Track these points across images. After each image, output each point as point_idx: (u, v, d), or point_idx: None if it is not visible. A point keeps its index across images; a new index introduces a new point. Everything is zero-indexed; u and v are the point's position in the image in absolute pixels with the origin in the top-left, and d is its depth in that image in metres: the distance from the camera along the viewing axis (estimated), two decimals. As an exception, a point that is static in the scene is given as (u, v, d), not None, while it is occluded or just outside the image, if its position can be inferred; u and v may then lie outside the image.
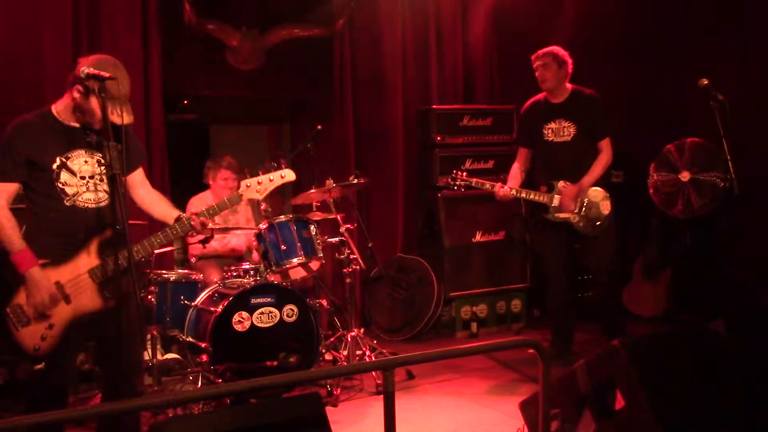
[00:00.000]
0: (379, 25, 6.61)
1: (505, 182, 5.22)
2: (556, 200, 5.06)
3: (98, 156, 3.31)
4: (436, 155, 6.40)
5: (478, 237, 6.46)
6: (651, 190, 5.78)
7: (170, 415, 4.06)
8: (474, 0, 6.98)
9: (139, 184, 3.56)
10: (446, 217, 6.37)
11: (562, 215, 5.09)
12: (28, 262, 3.15)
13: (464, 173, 5.29)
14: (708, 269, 6.14)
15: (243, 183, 3.62)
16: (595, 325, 6.05)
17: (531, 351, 2.93)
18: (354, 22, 6.54)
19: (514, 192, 5.12)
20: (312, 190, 5.21)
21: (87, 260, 3.23)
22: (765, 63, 6.10)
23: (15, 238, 3.17)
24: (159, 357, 4.70)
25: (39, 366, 3.13)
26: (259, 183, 3.61)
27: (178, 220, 3.44)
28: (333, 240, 5.13)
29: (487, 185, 5.17)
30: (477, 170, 6.50)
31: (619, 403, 3.04)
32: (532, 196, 5.12)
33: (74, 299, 3.20)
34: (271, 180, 3.63)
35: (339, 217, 5.14)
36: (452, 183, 5.28)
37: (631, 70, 5.30)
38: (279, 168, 3.68)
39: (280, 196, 6.95)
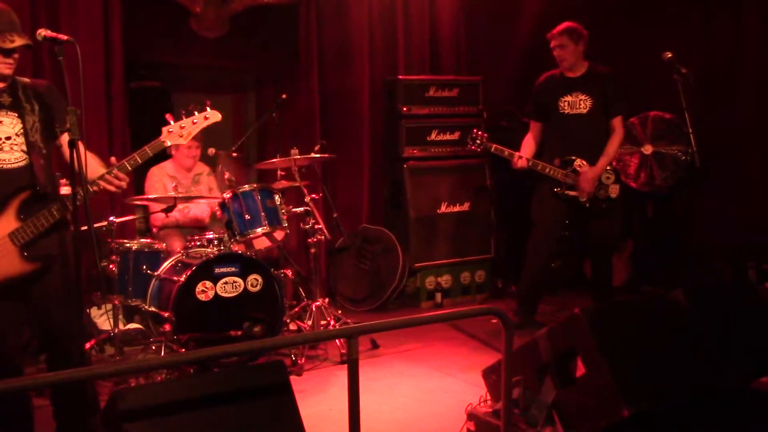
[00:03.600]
0: (346, -8, 6.53)
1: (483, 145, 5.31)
2: (575, 181, 5.13)
3: (14, 115, 3.18)
4: (402, 126, 6.37)
5: (443, 208, 6.47)
6: (614, 162, 5.83)
7: (132, 384, 4.04)
8: (442, -31, 6.92)
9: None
10: (412, 188, 6.37)
11: (572, 192, 5.16)
12: None
13: (486, 135, 5.35)
14: (669, 241, 6.24)
15: (164, 129, 3.40)
16: (557, 296, 6.17)
17: (495, 321, 2.96)
18: (320, -11, 6.46)
19: (531, 164, 5.17)
20: (276, 158, 5.16)
21: (6, 224, 3.11)
22: (729, 36, 6.18)
23: None
24: (121, 327, 4.65)
25: None
26: (181, 127, 3.42)
27: (99, 176, 3.27)
28: (298, 210, 5.11)
29: (506, 153, 5.23)
30: (443, 141, 6.50)
31: (580, 370, 3.09)
32: (547, 171, 5.16)
33: None
34: (194, 123, 3.43)
35: (304, 187, 5.11)
36: (470, 142, 5.36)
37: (596, 43, 5.32)
38: (202, 110, 3.45)
39: (245, 165, 6.88)
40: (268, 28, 6.47)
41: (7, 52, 3.11)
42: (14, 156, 3.18)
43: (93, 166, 3.35)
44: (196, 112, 3.44)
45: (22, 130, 3.19)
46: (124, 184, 3.30)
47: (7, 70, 3.15)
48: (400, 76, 6.47)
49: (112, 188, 3.28)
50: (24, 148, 3.19)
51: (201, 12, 6.04)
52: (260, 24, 6.40)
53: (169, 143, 3.42)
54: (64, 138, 3.32)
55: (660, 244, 6.30)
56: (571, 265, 6.44)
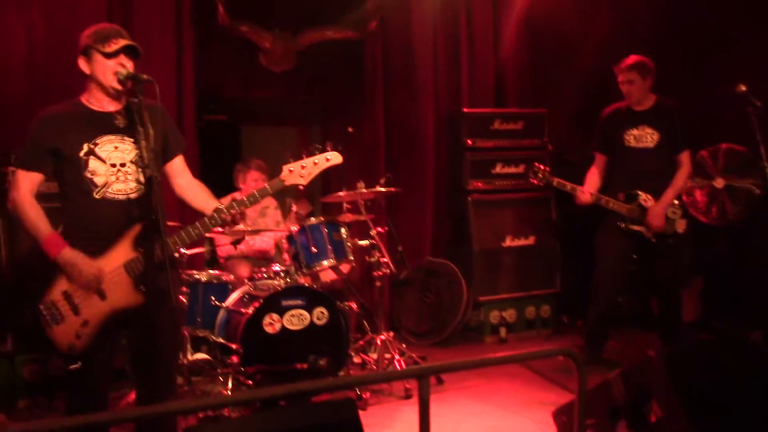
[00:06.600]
0: (411, 27, 6.58)
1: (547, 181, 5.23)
2: (640, 216, 5.05)
3: (129, 141, 3.15)
4: (466, 159, 6.36)
5: (507, 241, 6.41)
6: (684, 197, 5.71)
7: (200, 415, 4.08)
8: (506, 2, 6.92)
9: (178, 173, 3.41)
10: (476, 221, 6.33)
11: (637, 227, 5.07)
12: (57, 245, 3.04)
13: (547, 168, 5.29)
14: (742, 277, 6.05)
15: (285, 168, 3.31)
16: (624, 332, 6.01)
17: (561, 358, 2.90)
18: (386, 24, 6.53)
19: (596, 198, 5.10)
20: (342, 192, 5.21)
21: (122, 253, 3.09)
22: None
23: (41, 225, 3.08)
24: (189, 357, 4.71)
25: (75, 366, 3.04)
26: (302, 167, 3.32)
27: (216, 210, 3.24)
28: (363, 243, 5.12)
29: (568, 187, 5.18)
30: (507, 174, 6.46)
31: (656, 414, 3.00)
32: (611, 205, 5.09)
33: (109, 294, 3.05)
34: (315, 163, 3.33)
35: (369, 220, 5.12)
36: (532, 176, 5.30)
37: (665, 74, 5.24)
38: (324, 150, 3.35)
39: (309, 197, 6.96)
40: (335, 61, 6.57)
41: (109, 55, 3.09)
42: (129, 186, 3.15)
43: (203, 199, 3.39)
44: (317, 152, 3.36)
45: (137, 157, 3.14)
46: (238, 217, 3.29)
47: (113, 82, 3.10)
48: (465, 109, 6.47)
49: (227, 220, 3.26)
50: (139, 176, 3.14)
51: (270, 47, 6.17)
52: (327, 58, 6.50)
53: (288, 183, 3.34)
54: (173, 166, 3.38)
55: (733, 281, 6.11)
56: (639, 301, 6.29)
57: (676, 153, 5.12)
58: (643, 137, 5.12)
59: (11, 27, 5.05)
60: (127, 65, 3.13)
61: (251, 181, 5.48)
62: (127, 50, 3.13)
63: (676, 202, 5.11)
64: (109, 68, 3.11)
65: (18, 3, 5.07)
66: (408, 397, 4.71)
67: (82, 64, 3.17)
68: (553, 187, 5.29)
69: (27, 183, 3.13)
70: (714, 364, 3.10)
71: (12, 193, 3.16)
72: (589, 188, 5.20)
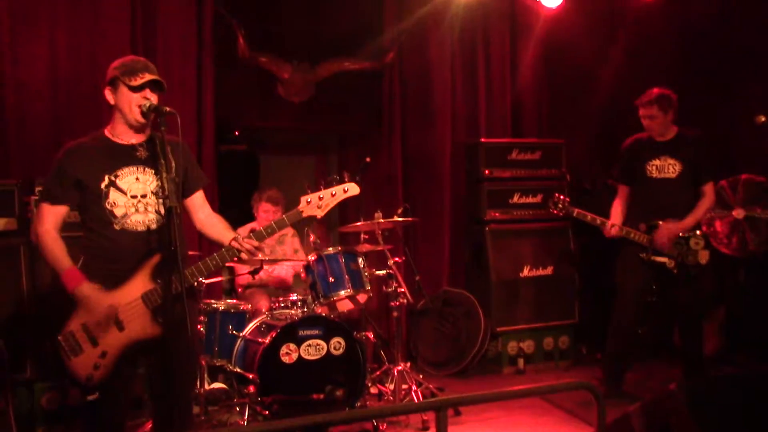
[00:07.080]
0: (428, 58, 6.63)
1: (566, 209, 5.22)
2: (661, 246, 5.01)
3: (150, 172, 3.21)
4: (483, 189, 6.35)
5: (525, 272, 6.38)
6: (704, 227, 5.67)
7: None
8: (524, 33, 6.97)
9: (198, 207, 3.46)
10: (494, 251, 6.31)
11: (659, 258, 5.03)
12: (75, 279, 3.09)
13: (567, 199, 5.29)
14: (763, 308, 5.98)
15: (303, 199, 3.34)
16: (644, 365, 5.94)
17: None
18: (404, 55, 6.58)
19: (625, 232, 5.07)
20: (360, 222, 5.21)
21: (141, 285, 3.13)
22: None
23: (61, 258, 3.13)
24: (206, 386, 4.71)
25: (92, 396, 3.06)
26: (320, 198, 3.34)
27: (233, 240, 3.28)
28: (380, 273, 5.12)
29: (588, 217, 5.16)
30: (525, 204, 6.44)
31: (677, 450, 2.96)
32: (632, 236, 5.06)
33: (127, 325, 3.09)
34: (333, 195, 3.36)
35: (387, 250, 5.12)
36: (552, 206, 5.29)
37: (681, 105, 5.22)
38: (341, 182, 3.39)
39: (326, 226, 6.98)
40: (353, 92, 6.61)
41: (134, 89, 3.15)
42: (149, 217, 3.20)
43: (220, 230, 3.42)
44: (335, 184, 3.39)
45: (158, 188, 3.19)
46: (255, 247, 3.27)
47: (137, 115, 3.15)
48: (482, 139, 6.49)
49: (244, 254, 3.27)
50: (158, 207, 3.19)
51: (289, 78, 6.23)
52: (345, 88, 6.54)
53: (305, 215, 3.35)
54: (194, 200, 3.42)
55: (755, 312, 6.04)
56: (659, 332, 6.23)
57: (700, 184, 5.08)
58: (665, 168, 5.10)
59: (35, 52, 5.12)
60: (151, 99, 3.19)
61: (262, 212, 5.53)
62: (152, 84, 3.19)
63: (699, 232, 5.06)
64: (134, 101, 3.17)
65: (43, 28, 5.15)
66: (425, 429, 4.66)
67: (108, 95, 3.23)
68: (573, 217, 5.27)
69: (52, 217, 3.19)
70: (736, 399, 3.06)
71: (36, 226, 3.22)
72: (614, 220, 5.16)
